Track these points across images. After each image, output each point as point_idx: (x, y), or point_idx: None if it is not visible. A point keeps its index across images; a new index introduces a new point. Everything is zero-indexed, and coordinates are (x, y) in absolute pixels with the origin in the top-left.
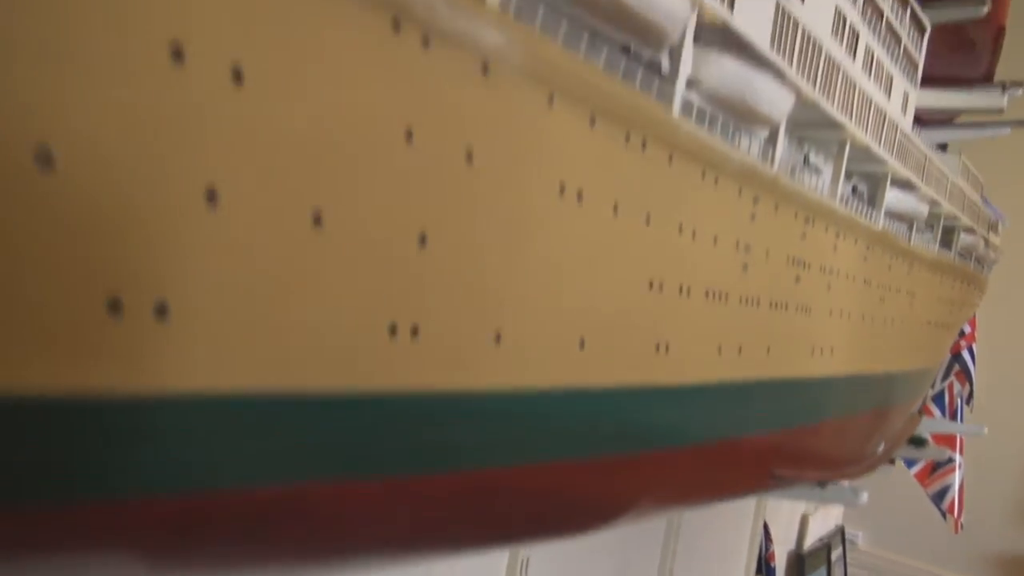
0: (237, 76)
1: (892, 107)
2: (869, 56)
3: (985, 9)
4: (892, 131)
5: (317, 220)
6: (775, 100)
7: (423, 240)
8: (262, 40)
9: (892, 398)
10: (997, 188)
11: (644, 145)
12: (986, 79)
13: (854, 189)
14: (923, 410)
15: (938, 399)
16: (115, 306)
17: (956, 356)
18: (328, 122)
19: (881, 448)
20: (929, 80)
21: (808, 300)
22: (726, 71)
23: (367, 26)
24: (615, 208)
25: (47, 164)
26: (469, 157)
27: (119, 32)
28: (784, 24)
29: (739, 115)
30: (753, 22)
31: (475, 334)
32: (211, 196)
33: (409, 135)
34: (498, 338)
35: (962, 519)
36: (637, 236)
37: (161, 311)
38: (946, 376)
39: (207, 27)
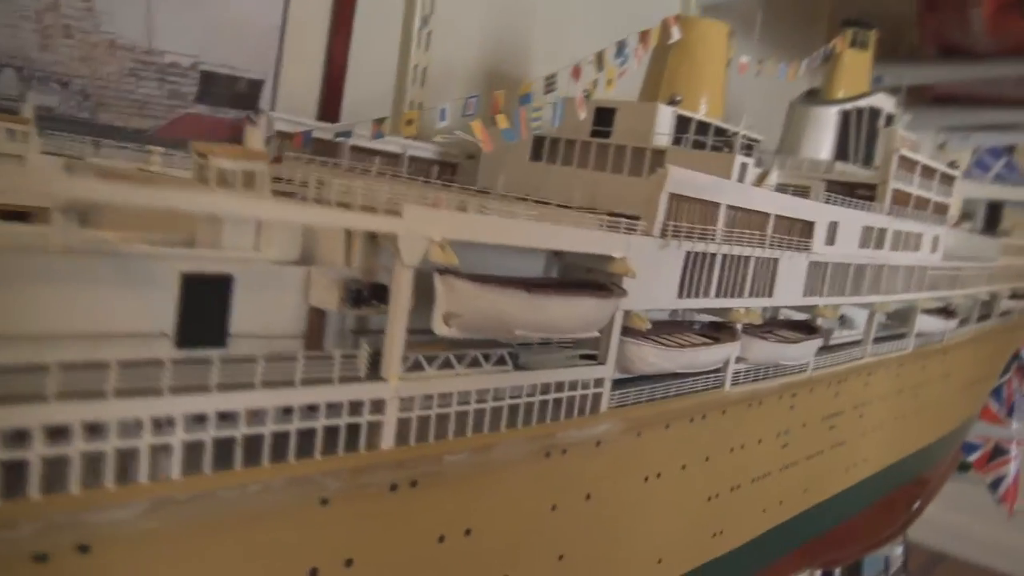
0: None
1: (922, 254)
2: (898, 237)
3: None
4: (921, 274)
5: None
6: (802, 355)
7: (561, 558)
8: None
9: (932, 461)
10: None
11: (704, 416)
12: None
13: (889, 315)
14: (984, 412)
15: (997, 393)
16: None
17: (1015, 356)
18: (509, 527)
19: (918, 504)
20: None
21: (842, 437)
22: (764, 350)
23: (532, 455)
24: (683, 467)
25: None
26: (588, 497)
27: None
28: (815, 273)
29: (775, 368)
30: (791, 285)
31: None
32: None
33: (554, 507)
34: None
35: (1017, 505)
36: (698, 475)
37: None
38: (1005, 372)
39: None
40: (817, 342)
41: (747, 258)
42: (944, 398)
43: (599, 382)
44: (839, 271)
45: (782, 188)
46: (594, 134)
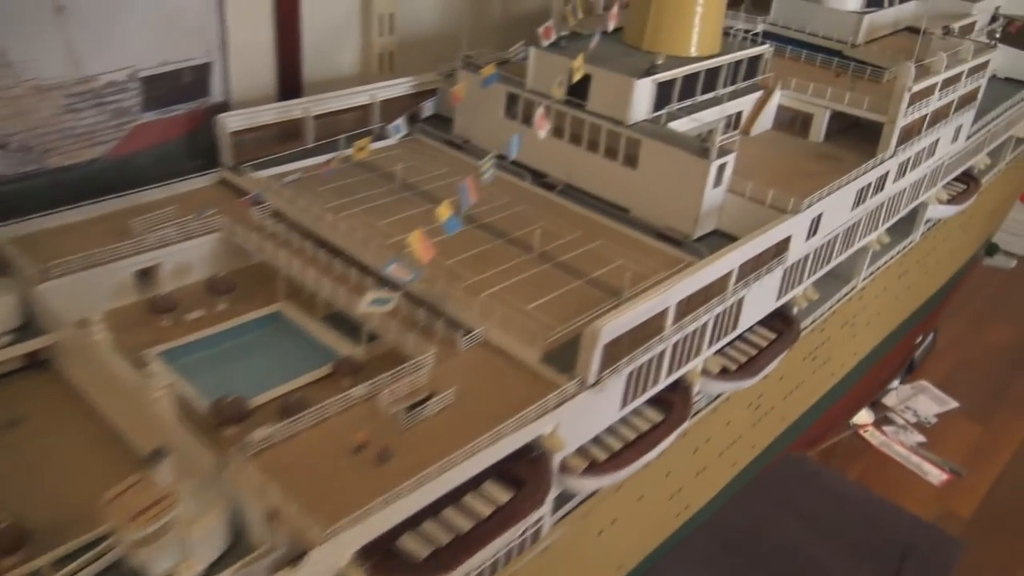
0: None
1: (938, 155)
2: (904, 164)
3: None
4: (936, 171)
5: None
6: (772, 368)
7: (620, 567)
8: None
9: (939, 302)
10: None
11: (661, 455)
12: None
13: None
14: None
15: None
16: None
17: None
18: None
19: (924, 337)
20: None
21: (827, 355)
22: (726, 387)
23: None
24: (640, 498)
25: None
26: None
27: None
28: (792, 273)
29: None
30: (759, 304)
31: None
32: None
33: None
34: None
35: None
36: (658, 493)
37: None
38: None
39: None
40: (788, 349)
41: (703, 325)
42: (959, 245)
43: (536, 521)
44: (824, 249)
45: (783, 113)
46: (568, 102)
